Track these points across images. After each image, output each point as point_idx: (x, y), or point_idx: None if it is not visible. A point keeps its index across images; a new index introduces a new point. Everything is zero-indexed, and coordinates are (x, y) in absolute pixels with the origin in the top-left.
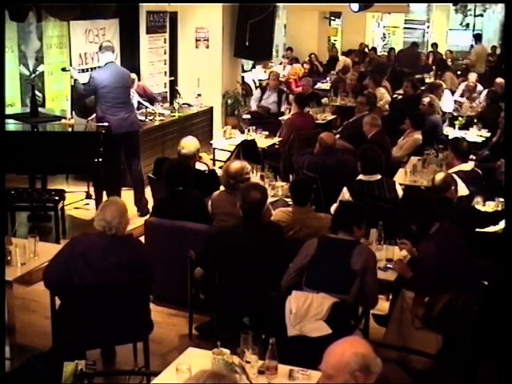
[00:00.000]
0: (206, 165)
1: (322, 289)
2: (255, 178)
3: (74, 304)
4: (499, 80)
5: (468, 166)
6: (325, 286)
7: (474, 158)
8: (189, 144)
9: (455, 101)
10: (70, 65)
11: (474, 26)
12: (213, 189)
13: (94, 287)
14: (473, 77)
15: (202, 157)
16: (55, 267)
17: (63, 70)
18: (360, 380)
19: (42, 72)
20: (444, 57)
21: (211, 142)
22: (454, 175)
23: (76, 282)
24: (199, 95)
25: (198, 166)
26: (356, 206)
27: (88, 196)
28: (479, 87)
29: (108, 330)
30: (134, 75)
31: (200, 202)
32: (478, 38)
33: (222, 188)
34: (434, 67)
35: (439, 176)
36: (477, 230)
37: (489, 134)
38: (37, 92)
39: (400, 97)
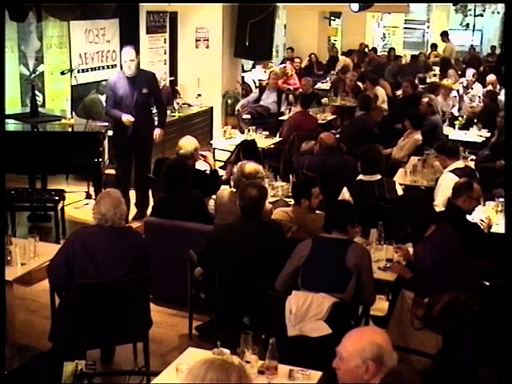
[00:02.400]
0: (210, 165)
1: (319, 288)
2: None
3: (73, 303)
4: (489, 78)
5: (461, 163)
6: (321, 285)
7: (474, 157)
8: (186, 144)
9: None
10: (70, 65)
11: (474, 26)
12: (214, 189)
13: (93, 286)
14: (470, 73)
15: (206, 156)
16: (56, 264)
17: (62, 73)
18: (371, 369)
19: (42, 72)
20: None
21: (211, 142)
22: (452, 174)
23: (77, 278)
24: (199, 95)
25: (199, 166)
26: (348, 204)
27: (88, 196)
28: (477, 85)
29: (107, 330)
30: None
31: (200, 201)
32: (446, 34)
33: (223, 187)
34: (434, 67)
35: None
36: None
37: (489, 134)
38: (37, 92)
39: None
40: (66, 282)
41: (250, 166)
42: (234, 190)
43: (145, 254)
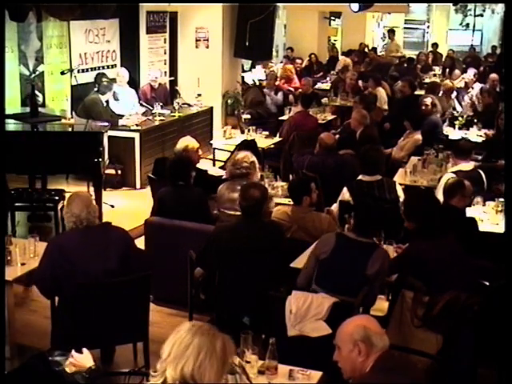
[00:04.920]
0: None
1: (332, 289)
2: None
3: (73, 303)
4: (492, 76)
5: (468, 165)
6: (336, 286)
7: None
8: (179, 142)
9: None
10: (70, 65)
11: (474, 26)
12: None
13: (93, 286)
14: (471, 72)
15: None
16: (41, 275)
17: (62, 73)
18: (362, 350)
19: (42, 72)
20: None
21: (211, 141)
22: (453, 175)
23: (66, 283)
24: (199, 95)
25: (200, 166)
26: (380, 212)
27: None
28: (478, 85)
29: (107, 330)
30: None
31: (201, 200)
32: (393, 32)
33: None
34: (434, 67)
35: (449, 180)
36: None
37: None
38: (37, 92)
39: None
40: (55, 289)
41: (240, 154)
42: (231, 179)
43: (129, 245)
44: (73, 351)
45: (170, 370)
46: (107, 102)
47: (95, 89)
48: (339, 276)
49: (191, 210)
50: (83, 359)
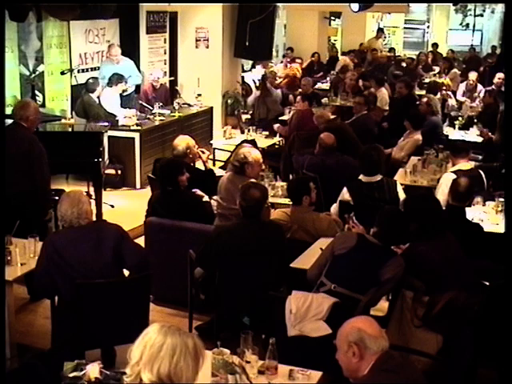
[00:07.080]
0: (203, 162)
1: (341, 284)
2: None
3: (73, 303)
4: (499, 74)
5: (467, 165)
6: (345, 282)
7: (478, 157)
8: (178, 143)
9: (457, 100)
10: (70, 65)
11: (474, 26)
12: (211, 189)
13: (93, 286)
14: (473, 76)
15: (203, 152)
16: (38, 275)
17: (62, 73)
18: (356, 352)
19: (42, 72)
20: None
21: (211, 141)
22: (453, 174)
23: (62, 281)
24: (199, 95)
25: (199, 165)
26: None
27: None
28: (479, 86)
29: (108, 330)
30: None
31: (191, 202)
32: (382, 31)
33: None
34: (433, 67)
35: (461, 184)
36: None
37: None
38: (37, 92)
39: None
40: (52, 288)
41: (243, 149)
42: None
43: (122, 240)
44: (89, 365)
45: (146, 373)
46: (99, 98)
47: (84, 90)
48: (351, 273)
49: (182, 215)
50: (91, 370)
